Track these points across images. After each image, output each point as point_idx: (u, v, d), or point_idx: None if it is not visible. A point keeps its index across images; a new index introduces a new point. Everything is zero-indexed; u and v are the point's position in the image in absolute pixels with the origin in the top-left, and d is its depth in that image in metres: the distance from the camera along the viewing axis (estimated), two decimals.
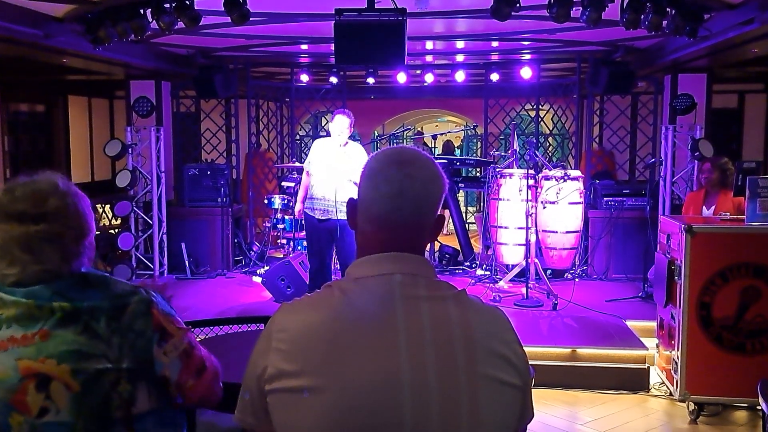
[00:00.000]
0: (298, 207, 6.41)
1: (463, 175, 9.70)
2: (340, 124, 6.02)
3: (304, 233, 6.84)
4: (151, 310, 1.69)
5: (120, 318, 1.64)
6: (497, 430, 1.39)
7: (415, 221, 1.46)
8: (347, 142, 6.11)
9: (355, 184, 6.01)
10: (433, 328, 1.37)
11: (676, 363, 4.83)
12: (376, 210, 1.45)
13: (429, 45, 8.77)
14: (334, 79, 10.10)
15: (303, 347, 1.36)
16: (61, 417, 1.58)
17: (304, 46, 8.80)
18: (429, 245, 7.66)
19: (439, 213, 1.52)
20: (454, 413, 1.33)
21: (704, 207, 6.04)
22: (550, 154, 11.08)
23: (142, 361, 1.65)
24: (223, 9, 5.46)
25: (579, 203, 7.31)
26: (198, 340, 1.86)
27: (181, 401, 1.75)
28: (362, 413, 1.31)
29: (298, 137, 10.58)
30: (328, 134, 6.25)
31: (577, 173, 7.44)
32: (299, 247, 8.01)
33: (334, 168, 5.97)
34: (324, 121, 12.22)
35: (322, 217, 6.01)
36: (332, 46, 5.98)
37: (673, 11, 5.40)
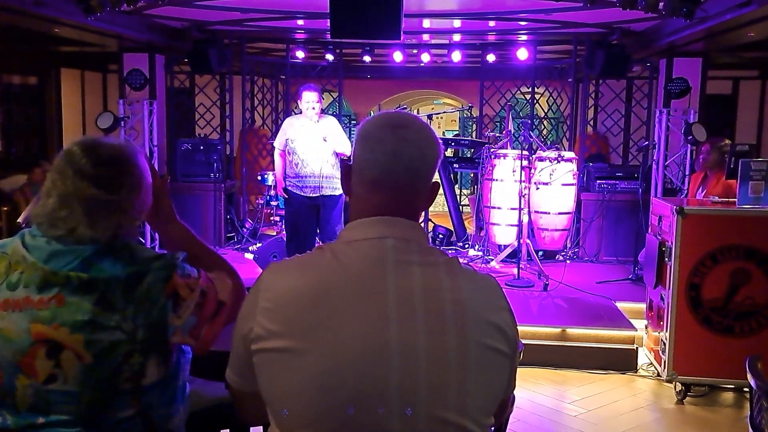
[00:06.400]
0: (279, 185, 6.31)
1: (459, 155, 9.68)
2: (309, 99, 5.96)
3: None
4: (172, 275, 1.63)
5: (136, 287, 1.58)
6: (485, 396, 1.37)
7: (409, 185, 1.44)
8: (320, 117, 6.08)
9: (336, 156, 5.92)
10: (423, 294, 1.35)
11: (665, 344, 4.86)
12: (370, 173, 1.43)
13: (426, 23, 8.72)
14: (330, 57, 10.04)
15: (289, 308, 1.34)
16: (68, 386, 1.54)
17: (300, 21, 8.73)
18: (423, 224, 7.57)
19: (434, 180, 1.50)
20: (442, 379, 1.31)
21: (699, 189, 6.02)
22: (545, 137, 11.07)
23: (157, 328, 1.59)
24: None
25: (572, 185, 7.31)
26: None
27: (195, 350, 1.70)
28: (349, 377, 1.29)
29: (292, 114, 10.53)
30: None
31: (570, 155, 7.43)
32: None
33: (316, 143, 5.92)
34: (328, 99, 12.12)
35: (313, 195, 5.99)
36: (328, 22, 5.94)
37: None
